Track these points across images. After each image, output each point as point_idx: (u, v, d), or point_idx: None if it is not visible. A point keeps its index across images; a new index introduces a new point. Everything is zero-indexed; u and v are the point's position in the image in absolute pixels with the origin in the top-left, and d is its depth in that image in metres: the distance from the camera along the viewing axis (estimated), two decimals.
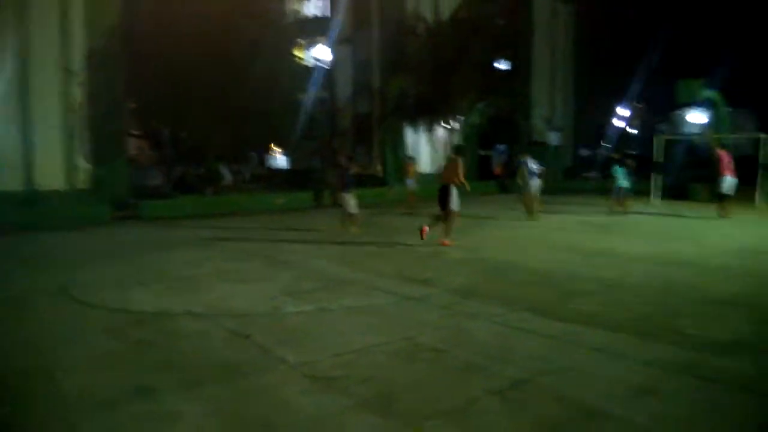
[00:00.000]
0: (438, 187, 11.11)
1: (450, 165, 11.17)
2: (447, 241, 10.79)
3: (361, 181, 23.17)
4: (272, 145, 32.03)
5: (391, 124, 26.14)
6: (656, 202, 18.88)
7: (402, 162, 20.01)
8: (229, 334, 5.55)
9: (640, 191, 20.04)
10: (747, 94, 34.73)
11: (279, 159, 34.12)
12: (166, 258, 10.04)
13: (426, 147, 26.72)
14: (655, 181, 19.41)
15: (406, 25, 25.86)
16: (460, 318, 5.99)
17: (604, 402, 3.89)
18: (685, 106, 24.76)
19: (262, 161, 33.82)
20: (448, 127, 25.47)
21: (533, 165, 15.79)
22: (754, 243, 10.91)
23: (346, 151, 13.06)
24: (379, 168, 26.82)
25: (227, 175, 24.63)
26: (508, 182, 26.68)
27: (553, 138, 30.94)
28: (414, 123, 25.81)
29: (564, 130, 34.11)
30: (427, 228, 10.90)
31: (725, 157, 14.74)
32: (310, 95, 26.26)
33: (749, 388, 4.12)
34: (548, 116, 33.77)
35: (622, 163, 16.02)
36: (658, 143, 19.92)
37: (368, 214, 17.18)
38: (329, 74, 28.78)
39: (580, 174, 32.49)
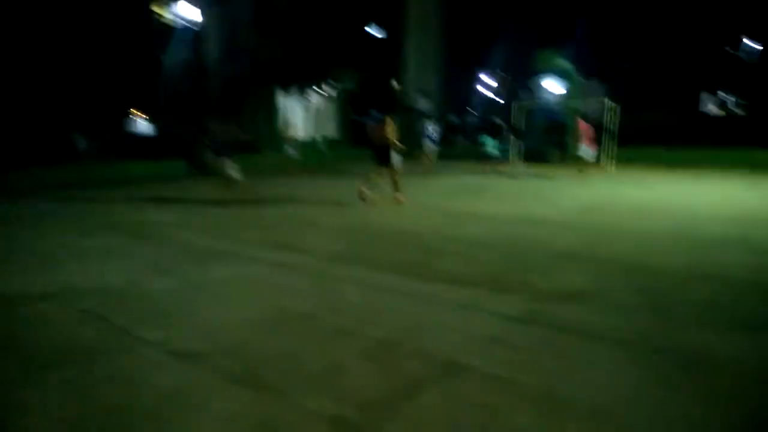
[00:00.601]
0: (372, 149, 12.13)
1: (382, 127, 11.99)
2: (401, 197, 11.66)
3: (234, 148, 22.51)
4: (134, 110, 30.05)
5: (264, 89, 25.46)
6: (517, 166, 20.13)
7: (280, 128, 19.56)
8: (82, 314, 5.23)
9: (504, 156, 21.30)
10: (597, 64, 37.73)
11: (142, 125, 32.11)
12: (14, 234, 9.19)
13: (300, 112, 26.39)
14: (517, 146, 20.63)
15: None
16: (330, 283, 6.09)
17: (461, 354, 4.17)
18: (543, 75, 26.48)
19: (121, 127, 31.64)
20: (322, 92, 25.30)
21: (430, 129, 16.97)
22: (597, 201, 12.01)
23: (221, 118, 12.56)
24: (250, 135, 26.10)
25: (82, 143, 22.79)
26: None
27: (424, 104, 31.80)
28: (287, 88, 25.33)
29: (433, 96, 35.10)
30: (366, 190, 11.72)
31: (582, 125, 15.96)
32: (175, 57, 24.84)
33: (587, 332, 4.59)
34: (419, 83, 34.54)
35: (490, 131, 16.89)
36: (518, 110, 21.14)
37: (244, 182, 16.78)
38: (196, 35, 27.33)
39: (450, 140, 33.75)
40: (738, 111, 22.46)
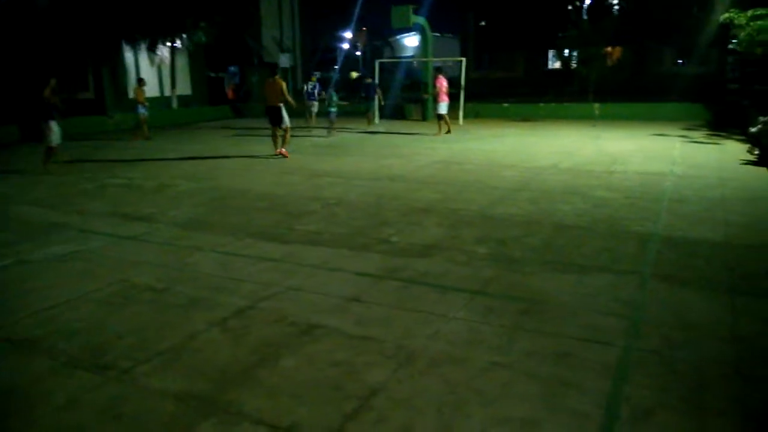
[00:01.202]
0: (265, 109, 12.67)
1: (273, 86, 12.27)
2: (285, 151, 12.44)
3: (72, 109, 20.47)
4: None
5: (105, 43, 23.22)
6: (377, 122, 20.37)
7: (134, 87, 17.90)
8: None
9: (364, 112, 21.40)
10: (451, 21, 38.86)
11: None
12: None
13: (149, 69, 24.53)
14: (377, 101, 20.82)
15: None
16: (183, 252, 5.82)
17: (319, 315, 4.19)
18: (400, 32, 26.68)
19: None
20: (172, 46, 23.61)
21: (311, 87, 16.78)
22: (452, 155, 12.51)
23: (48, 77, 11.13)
24: (93, 93, 23.89)
25: None
26: (241, 105, 26.16)
27: (284, 60, 30.91)
28: (133, 42, 23.33)
29: (293, 51, 34.24)
30: (283, 150, 12.50)
31: (442, 81, 16.27)
32: None
33: (439, 285, 4.80)
34: (277, 37, 33.45)
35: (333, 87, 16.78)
36: (378, 67, 21.25)
37: (88, 147, 15.41)
38: None
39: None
40: (579, 67, 24.35)
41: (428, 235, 6.27)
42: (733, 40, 14.26)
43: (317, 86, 19.41)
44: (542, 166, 10.71)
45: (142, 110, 16.58)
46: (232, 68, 31.12)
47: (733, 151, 12.04)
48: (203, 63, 28.03)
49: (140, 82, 17.26)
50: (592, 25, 23.09)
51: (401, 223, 6.80)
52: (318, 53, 43.63)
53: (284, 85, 12.46)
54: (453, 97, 19.34)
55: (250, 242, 6.10)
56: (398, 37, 53.43)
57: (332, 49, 49.35)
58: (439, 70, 17.23)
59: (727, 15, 13.81)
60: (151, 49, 23.21)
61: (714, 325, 3.94)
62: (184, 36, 23.44)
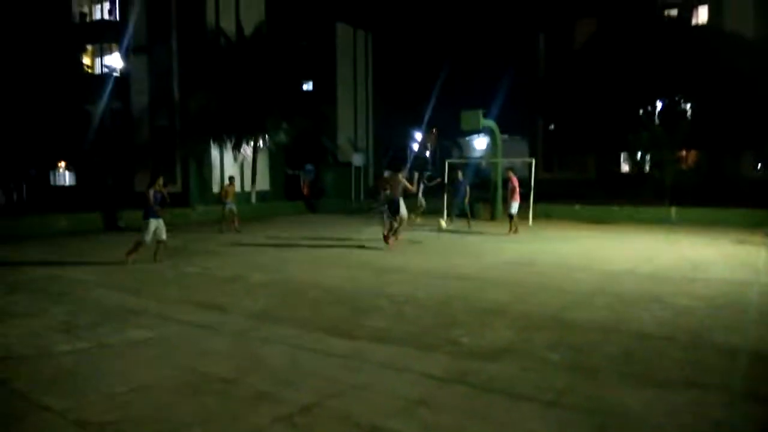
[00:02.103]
0: (386, 200, 14.00)
1: (396, 181, 13.67)
2: (392, 242, 13.48)
3: (164, 202, 21.91)
4: (59, 161, 28.87)
5: (194, 140, 25.10)
6: (447, 220, 20.52)
7: (225, 184, 18.93)
8: None
9: (434, 210, 21.66)
10: (520, 122, 39.62)
11: (65, 175, 30.82)
12: None
13: (232, 165, 26.11)
14: (446, 201, 21.10)
15: (207, 38, 25.20)
16: (253, 344, 5.90)
17: (385, 418, 4.08)
18: (470, 134, 27.42)
19: (45, 178, 30.23)
20: (255, 144, 25.19)
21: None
22: (522, 255, 12.34)
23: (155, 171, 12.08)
24: (180, 187, 25.58)
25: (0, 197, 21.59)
26: (315, 201, 27.18)
27: (357, 159, 32.20)
28: (219, 140, 25.08)
29: (366, 151, 35.69)
30: (391, 238, 13.48)
31: (514, 181, 16.48)
32: (102, 106, 24.26)
33: (511, 392, 4.61)
34: (352, 138, 35.10)
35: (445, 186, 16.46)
36: (447, 166, 21.74)
37: (171, 237, 16.29)
38: (123, 84, 26.85)
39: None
40: (652, 170, 24.05)
41: (498, 337, 6.11)
42: None
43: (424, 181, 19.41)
44: (618, 270, 10.37)
45: (230, 205, 17.42)
46: (308, 166, 32.68)
47: None
48: (282, 161, 29.59)
49: (231, 180, 18.26)
50: (664, 129, 22.94)
51: (470, 323, 6.67)
52: (390, 152, 45.21)
53: (405, 180, 13.88)
54: (523, 198, 19.39)
55: (319, 336, 6.13)
56: (468, 138, 54.81)
57: (403, 148, 51.08)
58: (511, 170, 17.39)
59: None
60: (236, 148, 24.79)
61: None
62: (266, 136, 24.98)
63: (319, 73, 32.10)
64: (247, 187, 26.19)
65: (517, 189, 16.41)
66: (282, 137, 25.01)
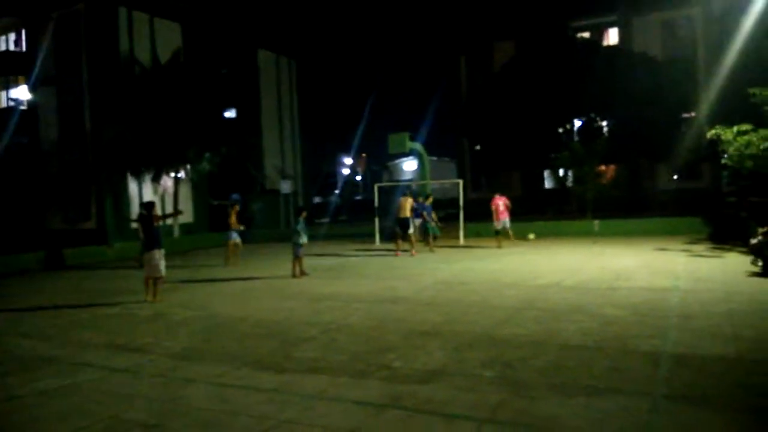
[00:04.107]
0: (397, 220, 16.72)
1: (405, 202, 16.25)
2: (415, 252, 16.03)
3: (73, 240, 20.81)
4: None
5: (109, 173, 24.07)
6: (378, 244, 20.53)
7: (227, 209, 17.86)
8: None
9: (365, 234, 21.66)
10: (448, 144, 40.47)
11: None
12: None
13: (152, 198, 25.17)
14: (377, 223, 21.14)
15: (120, 66, 24.40)
16: (176, 385, 5.58)
17: None
18: (398, 157, 27.71)
19: None
20: (176, 176, 24.41)
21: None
22: (453, 275, 12.44)
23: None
24: (93, 223, 24.43)
25: None
26: (243, 232, 26.56)
27: (285, 186, 31.85)
28: (136, 172, 24.16)
29: (295, 178, 35.36)
30: (406, 251, 16.01)
31: (496, 201, 18.03)
32: (6, 141, 22.97)
33: (445, 413, 4.54)
34: (279, 165, 34.71)
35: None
36: (376, 190, 21.84)
37: (86, 277, 15.44)
38: (31, 117, 25.59)
39: (314, 220, 33.86)
40: (574, 186, 25.04)
41: (432, 359, 6.05)
42: (724, 155, 14.67)
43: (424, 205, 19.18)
44: (545, 284, 10.60)
45: (234, 235, 16.48)
46: (234, 196, 31.97)
47: (736, 264, 11.98)
48: (206, 191, 28.83)
49: (234, 207, 17.26)
50: (583, 146, 23.96)
51: (404, 347, 6.58)
52: (319, 179, 45.06)
53: (411, 202, 16.37)
54: (453, 217, 19.71)
55: (246, 372, 5.87)
56: (396, 161, 55.45)
57: (332, 174, 51.07)
58: (495, 192, 18.92)
59: (713, 131, 14.33)
60: (155, 180, 23.93)
61: None
62: (188, 166, 24.29)
63: (243, 101, 31.64)
64: (169, 220, 25.31)
65: (500, 207, 17.93)
66: (205, 167, 24.36)
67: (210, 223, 28.88)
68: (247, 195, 31.76)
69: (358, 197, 51.27)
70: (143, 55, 25.51)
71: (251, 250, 21.18)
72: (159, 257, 10.55)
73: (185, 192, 26.44)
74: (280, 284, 12.26)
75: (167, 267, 11.04)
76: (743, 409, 4.33)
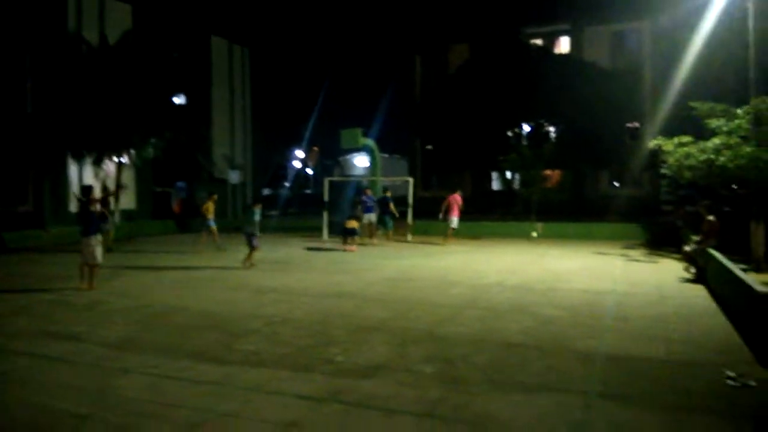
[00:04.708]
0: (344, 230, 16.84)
1: (351, 222, 16.63)
2: (355, 247, 16.39)
3: (9, 223, 19.85)
4: None
5: (48, 156, 23.04)
6: (326, 239, 20.43)
7: (203, 198, 17.61)
8: None
9: (314, 227, 21.52)
10: (400, 142, 40.62)
11: None
12: None
13: (93, 183, 24.25)
14: (326, 218, 21.03)
15: (66, 45, 23.38)
16: (110, 375, 5.41)
17: None
18: (349, 152, 27.65)
19: None
20: (119, 160, 23.56)
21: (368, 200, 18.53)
22: (400, 272, 12.51)
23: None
24: (30, 206, 23.36)
25: None
26: (188, 220, 25.94)
27: (234, 176, 31.24)
28: (77, 155, 23.22)
29: (244, 168, 34.76)
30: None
31: (452, 199, 18.32)
32: None
33: (385, 407, 4.57)
34: (228, 154, 34.05)
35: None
36: (327, 184, 21.71)
37: (20, 262, 14.79)
38: None
39: (263, 213, 33.36)
40: (521, 188, 25.57)
41: (375, 354, 6.07)
42: (664, 165, 15.27)
43: (370, 198, 19.12)
44: (489, 283, 10.79)
45: (212, 223, 16.67)
46: (179, 183, 31.15)
47: (670, 270, 12.49)
48: (150, 178, 28.00)
49: (212, 196, 17.26)
50: (531, 150, 24.50)
51: (347, 342, 6.58)
52: (269, 170, 44.50)
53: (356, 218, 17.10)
54: (401, 215, 19.81)
55: (185, 363, 5.75)
56: (348, 156, 55.31)
57: (283, 167, 50.50)
58: (454, 191, 19.35)
59: (656, 142, 14.89)
60: (97, 164, 23.07)
61: None
62: (132, 151, 23.49)
63: (193, 88, 30.79)
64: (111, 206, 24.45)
65: (454, 206, 18.33)
66: (150, 152, 23.59)
67: (153, 210, 28.07)
68: (193, 183, 31.03)
69: (309, 191, 50.89)
70: (91, 36, 24.48)
71: (196, 238, 20.72)
72: (95, 243, 10.21)
73: (128, 177, 25.56)
74: (225, 275, 12.04)
75: (112, 254, 10.68)
76: (671, 408, 4.53)
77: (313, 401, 4.71)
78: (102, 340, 6.73)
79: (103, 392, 4.95)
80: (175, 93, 27.77)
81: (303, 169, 53.22)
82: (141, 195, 27.47)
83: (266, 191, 42.76)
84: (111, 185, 22.27)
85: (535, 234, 19.11)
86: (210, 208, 16.85)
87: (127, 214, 25.13)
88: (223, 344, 6.49)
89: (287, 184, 48.82)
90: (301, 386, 5.06)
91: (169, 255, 15.93)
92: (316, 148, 53.77)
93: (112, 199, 16.36)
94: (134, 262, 14.21)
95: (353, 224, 17.10)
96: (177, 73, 26.74)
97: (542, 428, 4.16)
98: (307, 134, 48.14)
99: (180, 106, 29.01)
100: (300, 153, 52.05)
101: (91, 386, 5.12)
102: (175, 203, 30.08)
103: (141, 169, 25.91)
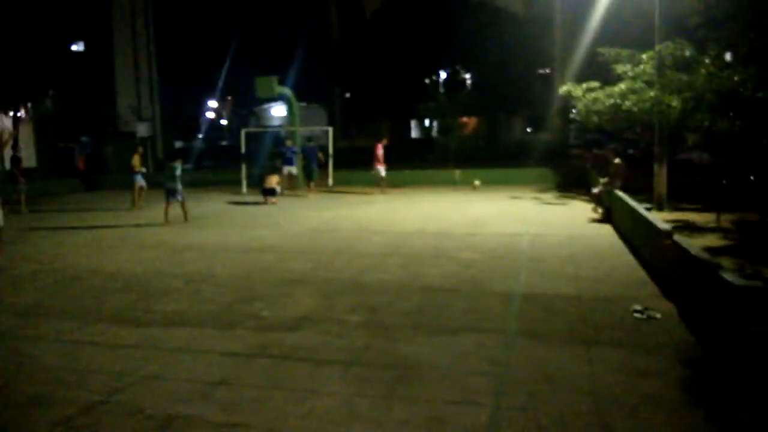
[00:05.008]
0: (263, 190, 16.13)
1: (271, 179, 15.91)
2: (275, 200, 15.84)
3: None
4: None
5: None
6: (245, 192, 19.99)
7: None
8: None
9: (231, 181, 20.97)
10: (318, 91, 39.83)
11: None
12: None
13: None
14: (244, 170, 20.53)
15: None
16: (23, 343, 5.16)
17: (180, 405, 3.84)
18: (265, 101, 26.84)
19: None
20: (15, 115, 21.86)
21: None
22: (324, 223, 12.50)
23: None
24: None
25: None
26: (94, 178, 24.59)
27: (142, 129, 29.72)
28: None
29: (153, 120, 33.10)
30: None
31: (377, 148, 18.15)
32: None
33: (312, 358, 4.63)
34: (135, 106, 32.24)
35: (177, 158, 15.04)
36: (243, 136, 21.11)
37: None
38: None
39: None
40: (439, 136, 25.86)
41: (300, 306, 6.09)
42: (573, 110, 15.86)
43: (290, 149, 18.49)
44: (410, 230, 10.99)
45: (139, 178, 15.72)
46: (83, 138, 29.30)
47: (580, 211, 13.16)
48: (51, 133, 26.18)
49: (137, 149, 16.31)
50: (448, 98, 24.74)
51: (272, 296, 6.56)
52: (180, 122, 42.61)
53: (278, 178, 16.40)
54: (323, 165, 19.61)
55: (102, 328, 5.55)
56: (265, 106, 53.76)
57: (195, 118, 48.49)
58: (378, 140, 18.99)
59: (565, 88, 15.40)
60: None
61: (574, 377, 4.12)
62: (29, 104, 21.79)
63: (92, 33, 28.64)
64: (8, 164, 22.79)
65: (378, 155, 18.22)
66: (48, 106, 21.97)
67: (57, 167, 26.35)
68: (98, 137, 29.27)
69: (224, 142, 49.29)
70: None
71: (104, 196, 19.75)
72: None
73: (27, 133, 23.80)
74: (139, 233, 11.58)
75: (14, 215, 10.01)
76: (582, 341, 4.85)
77: (240, 357, 4.69)
78: (11, 308, 6.36)
79: (16, 361, 4.72)
80: (74, 40, 25.76)
81: (217, 120, 51.37)
82: (42, 152, 25.68)
83: (178, 144, 41.00)
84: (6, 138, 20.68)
85: (477, 183, 19.29)
86: (137, 162, 16.13)
87: (27, 173, 23.49)
88: (141, 306, 6.31)
89: (200, 136, 47.03)
90: (227, 343, 5.02)
91: (78, 214, 15.11)
92: (229, 98, 51.90)
93: None
94: (41, 224, 13.39)
95: (273, 182, 16.62)
96: (74, 18, 24.76)
97: (464, 367, 4.36)
98: (221, 83, 46.28)
99: (79, 53, 26.98)
100: (213, 103, 50.10)
101: (3, 356, 4.87)
102: (80, 160, 28.30)
103: (40, 123, 24.13)
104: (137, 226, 12.59)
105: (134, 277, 7.74)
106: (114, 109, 30.07)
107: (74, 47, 26.17)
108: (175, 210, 12.78)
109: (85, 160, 28.07)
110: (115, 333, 5.38)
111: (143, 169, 16.20)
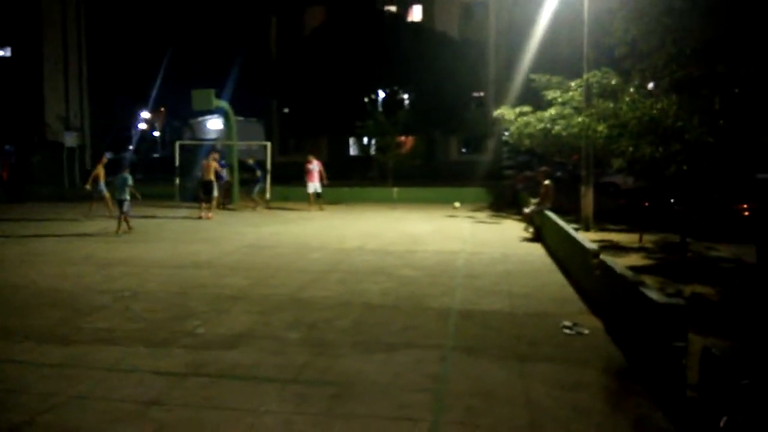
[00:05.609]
0: (200, 183, 16.39)
1: (208, 165, 15.96)
2: (210, 215, 15.58)
3: None
4: None
5: None
6: (179, 205, 19.50)
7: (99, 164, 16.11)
8: None
9: (165, 195, 20.40)
10: (256, 106, 39.40)
11: None
12: None
13: None
14: (178, 183, 20.05)
15: None
16: None
17: (111, 426, 3.72)
18: (201, 114, 26.34)
19: None
20: None
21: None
22: (262, 239, 12.34)
23: None
24: None
25: None
26: (20, 188, 23.36)
27: (70, 138, 28.51)
28: None
29: (82, 130, 31.85)
30: (209, 215, 15.63)
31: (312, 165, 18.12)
32: None
33: (250, 376, 4.57)
34: (63, 115, 30.96)
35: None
36: (177, 148, 20.64)
37: None
38: None
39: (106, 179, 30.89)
40: (377, 154, 26.08)
41: (238, 323, 6.00)
42: (506, 132, 16.44)
43: (220, 163, 17.85)
44: (349, 247, 11.02)
45: (103, 187, 15.74)
46: (7, 147, 27.81)
47: (512, 230, 13.58)
48: None
49: (101, 158, 16.42)
50: (386, 117, 25.04)
51: (208, 312, 6.43)
52: (111, 133, 41.18)
53: (215, 165, 16.14)
54: (260, 181, 19.38)
55: (28, 346, 5.29)
56: (200, 119, 52.67)
57: (127, 129, 46.99)
58: (311, 154, 19.25)
59: (499, 111, 15.95)
60: None
61: (508, 391, 4.26)
62: None
63: (20, 39, 27.39)
64: None
65: (313, 171, 18.17)
66: None
67: None
68: (23, 146, 27.85)
69: (156, 155, 47.90)
70: None
71: (30, 208, 18.77)
72: None
73: None
74: (68, 247, 11.08)
75: None
76: (516, 357, 5.01)
77: (173, 376, 4.58)
78: None
79: None
80: (1, 45, 24.58)
81: (150, 131, 49.94)
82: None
83: (108, 155, 39.51)
84: None
85: (457, 204, 19.31)
86: (101, 172, 16.06)
87: None
88: (69, 323, 6.04)
89: (132, 148, 45.52)
90: (160, 362, 4.89)
91: (2, 226, 14.31)
92: (162, 109, 50.60)
93: None
94: None
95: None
96: (1, 21, 23.65)
97: (403, 383, 4.42)
98: (154, 95, 45.05)
99: (4, 59, 25.72)
100: (146, 114, 48.70)
101: None
102: (3, 170, 26.79)
103: None
104: (63, 237, 12.05)
105: (61, 293, 7.41)
106: (41, 117, 28.75)
107: (1, 52, 24.91)
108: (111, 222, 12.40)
109: (8, 169, 26.58)
110: (42, 351, 5.14)
111: (106, 179, 16.11)
